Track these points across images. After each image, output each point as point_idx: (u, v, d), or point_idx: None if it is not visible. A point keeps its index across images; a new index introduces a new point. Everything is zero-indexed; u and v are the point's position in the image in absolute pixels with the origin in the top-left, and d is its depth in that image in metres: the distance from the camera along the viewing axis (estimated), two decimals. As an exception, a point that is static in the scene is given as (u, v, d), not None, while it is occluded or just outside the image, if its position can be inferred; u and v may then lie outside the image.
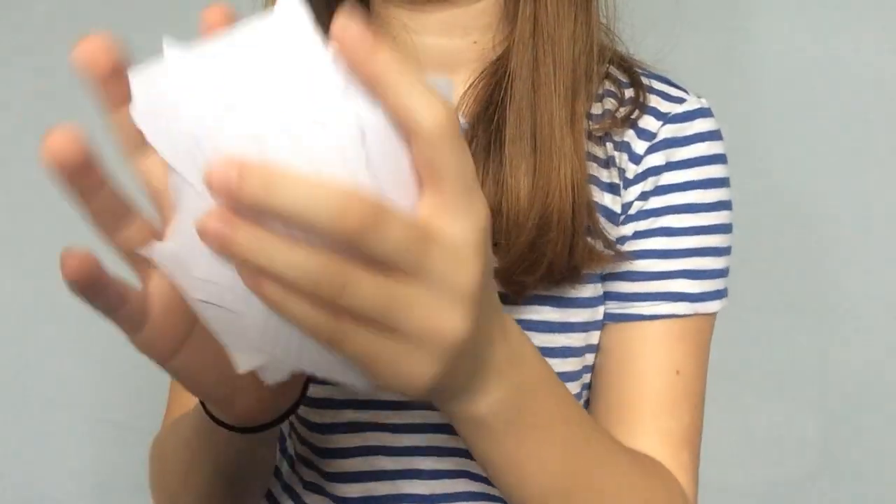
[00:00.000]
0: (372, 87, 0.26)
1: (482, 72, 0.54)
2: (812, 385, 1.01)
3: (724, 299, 0.55)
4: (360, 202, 0.25)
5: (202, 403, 0.42)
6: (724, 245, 0.55)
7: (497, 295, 0.34)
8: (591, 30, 0.52)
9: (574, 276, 0.52)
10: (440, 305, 0.28)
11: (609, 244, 0.53)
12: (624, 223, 0.54)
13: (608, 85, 0.56)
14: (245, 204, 0.25)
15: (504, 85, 0.51)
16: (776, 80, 0.96)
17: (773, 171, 0.97)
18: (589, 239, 0.52)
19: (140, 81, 0.28)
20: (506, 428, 0.36)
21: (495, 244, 0.51)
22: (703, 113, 0.55)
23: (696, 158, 0.54)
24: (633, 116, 0.55)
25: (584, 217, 0.51)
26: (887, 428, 1.01)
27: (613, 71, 0.57)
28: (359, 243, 0.25)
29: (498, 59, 0.53)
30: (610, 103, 0.56)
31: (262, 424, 0.41)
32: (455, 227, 0.28)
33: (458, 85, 0.54)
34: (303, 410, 0.56)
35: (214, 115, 0.26)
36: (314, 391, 0.54)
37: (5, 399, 1.13)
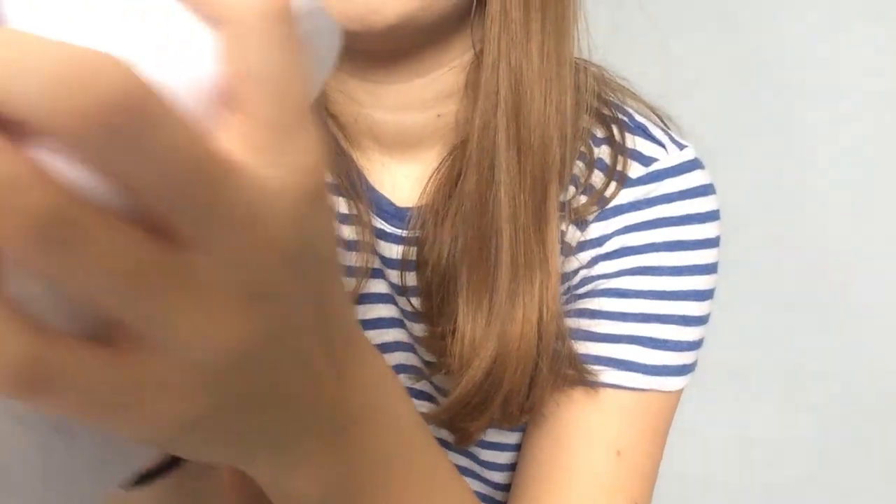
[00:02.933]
0: None
1: (446, 154, 0.46)
2: (812, 385, 1.01)
3: (689, 375, 0.47)
4: (120, 74, 0.14)
5: None
6: (696, 314, 0.47)
7: (349, 321, 0.25)
8: (565, 100, 0.43)
9: (529, 415, 0.45)
10: (220, 296, 0.17)
11: (576, 365, 0.45)
12: (563, 293, 0.47)
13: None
14: None
15: (464, 180, 0.43)
16: (782, 78, 0.95)
17: (775, 168, 0.97)
18: (556, 356, 0.44)
19: None
20: None
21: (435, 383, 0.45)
22: (677, 171, 0.47)
23: (659, 220, 0.47)
24: (606, 194, 0.46)
25: (551, 342, 0.43)
26: (887, 428, 1.01)
27: (587, 124, 0.48)
28: (104, 147, 0.15)
29: (464, 141, 0.45)
30: (578, 168, 0.47)
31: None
32: (264, 171, 0.17)
33: (425, 169, 0.46)
34: None
35: None
36: None
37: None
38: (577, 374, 0.45)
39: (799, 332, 1.00)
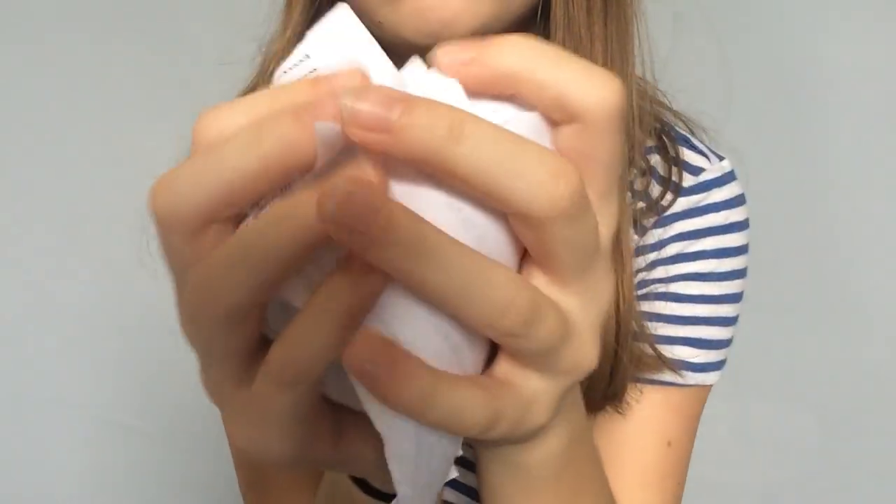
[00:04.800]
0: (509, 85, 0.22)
1: None
2: (812, 385, 1.01)
3: (723, 369, 0.52)
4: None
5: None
6: (732, 315, 0.52)
7: None
8: (630, 100, 0.46)
9: (612, 402, 0.48)
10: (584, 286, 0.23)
11: (654, 348, 0.49)
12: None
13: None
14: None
15: None
16: (782, 79, 0.95)
17: (773, 169, 0.97)
18: (637, 345, 0.47)
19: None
20: (546, 481, 0.31)
21: None
22: (721, 181, 0.51)
23: (709, 228, 0.50)
24: (664, 202, 0.50)
25: (630, 330, 0.46)
26: (887, 428, 1.01)
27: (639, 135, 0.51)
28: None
29: None
30: (632, 173, 0.50)
31: None
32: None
33: None
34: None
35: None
36: None
37: (5, 399, 1.13)
38: (656, 359, 0.48)
39: (799, 332, 1.00)
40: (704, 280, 0.50)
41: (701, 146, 0.52)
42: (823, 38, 0.95)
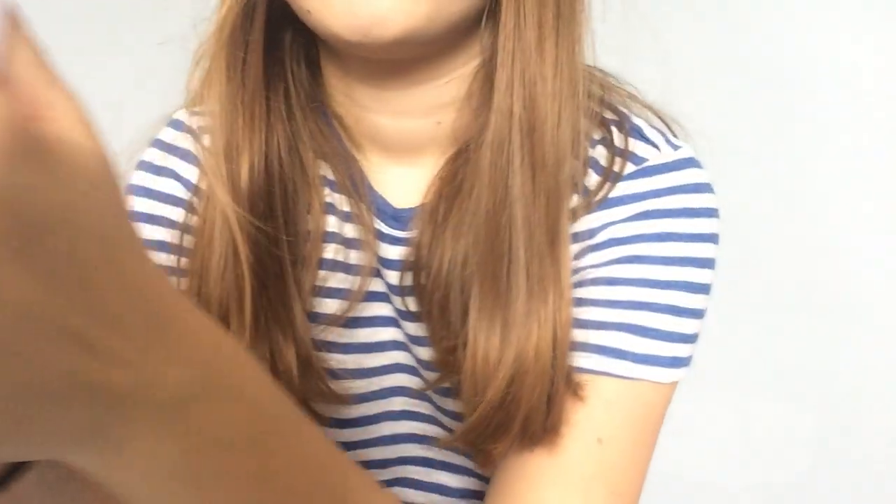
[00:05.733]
0: None
1: (447, 160, 0.46)
2: (812, 385, 1.01)
3: (684, 368, 0.46)
4: None
5: None
6: (691, 306, 0.46)
7: (147, 291, 0.21)
8: (578, 116, 0.43)
9: (552, 434, 0.43)
10: None
11: (571, 374, 0.44)
12: None
13: None
14: None
15: (471, 193, 0.43)
16: (782, 78, 0.96)
17: (775, 168, 0.97)
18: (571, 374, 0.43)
19: None
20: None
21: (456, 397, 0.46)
22: (668, 168, 0.47)
23: (647, 212, 0.46)
24: (602, 192, 0.46)
25: (566, 360, 0.42)
26: (887, 428, 1.01)
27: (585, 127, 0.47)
28: None
29: (465, 148, 0.45)
30: (575, 166, 0.46)
31: None
32: None
33: (424, 173, 0.47)
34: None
35: None
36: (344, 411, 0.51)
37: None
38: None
39: (799, 332, 1.00)
40: (643, 263, 0.45)
41: (653, 136, 0.48)
42: (815, 36, 0.95)
